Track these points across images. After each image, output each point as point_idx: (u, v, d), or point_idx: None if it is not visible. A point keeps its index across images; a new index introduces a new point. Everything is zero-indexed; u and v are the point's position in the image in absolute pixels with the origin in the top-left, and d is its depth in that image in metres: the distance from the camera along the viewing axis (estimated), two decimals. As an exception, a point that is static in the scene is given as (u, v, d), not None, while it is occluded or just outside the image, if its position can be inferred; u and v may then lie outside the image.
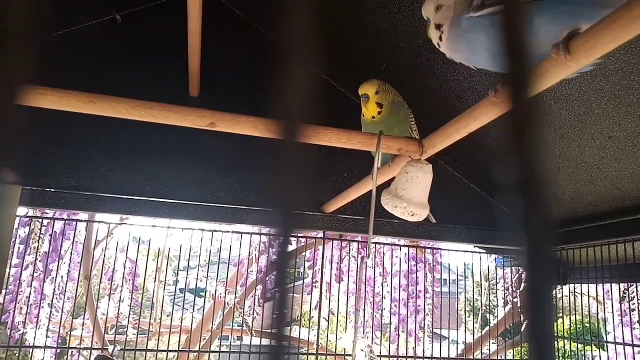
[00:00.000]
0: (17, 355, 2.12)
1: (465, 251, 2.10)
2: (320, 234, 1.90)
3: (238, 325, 2.74)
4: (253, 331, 2.59)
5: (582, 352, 2.44)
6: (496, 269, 2.27)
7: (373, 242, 2.08)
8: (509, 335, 2.70)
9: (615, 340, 2.15)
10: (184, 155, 1.70)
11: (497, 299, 2.64)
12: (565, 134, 1.48)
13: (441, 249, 2.18)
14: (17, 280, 1.97)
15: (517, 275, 2.31)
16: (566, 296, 2.13)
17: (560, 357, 2.10)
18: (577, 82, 1.28)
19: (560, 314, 2.23)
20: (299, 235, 1.97)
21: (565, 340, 2.19)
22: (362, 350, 1.62)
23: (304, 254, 2.20)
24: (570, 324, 2.34)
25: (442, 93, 1.63)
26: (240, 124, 1.01)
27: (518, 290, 2.52)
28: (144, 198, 1.64)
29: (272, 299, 0.19)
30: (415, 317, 2.31)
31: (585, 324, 2.36)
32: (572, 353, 2.37)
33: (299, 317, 2.15)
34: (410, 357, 2.13)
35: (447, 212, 1.88)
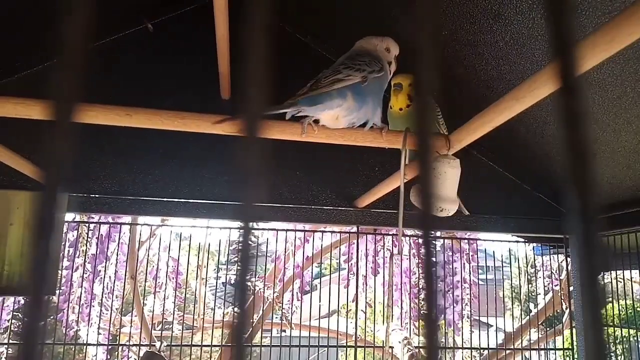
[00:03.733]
0: (73, 351, 2.24)
1: (501, 241, 2.08)
2: (354, 229, 1.92)
3: (278, 319, 2.80)
4: (293, 325, 2.64)
5: (635, 338, 2.37)
6: (534, 257, 2.23)
7: (407, 235, 2.09)
8: (555, 322, 2.66)
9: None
10: (218, 158, 1.75)
11: (536, 288, 2.59)
12: (600, 119, 1.44)
13: (478, 239, 2.16)
14: (68, 282, 2.08)
15: (558, 263, 2.26)
16: (609, 282, 2.08)
17: (611, 344, 2.05)
18: (610, 66, 1.25)
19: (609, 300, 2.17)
20: (335, 230, 2.00)
21: (611, 328, 2.14)
22: (399, 342, 1.64)
23: (338, 248, 2.22)
24: (612, 310, 2.28)
25: (472, 84, 1.62)
26: (268, 129, 1.04)
27: (560, 279, 2.47)
28: (183, 200, 1.71)
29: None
30: (453, 307, 2.30)
31: (637, 309, 2.30)
32: (624, 339, 2.31)
33: (337, 310, 2.19)
34: (449, 348, 2.13)
35: (483, 202, 1.87)
